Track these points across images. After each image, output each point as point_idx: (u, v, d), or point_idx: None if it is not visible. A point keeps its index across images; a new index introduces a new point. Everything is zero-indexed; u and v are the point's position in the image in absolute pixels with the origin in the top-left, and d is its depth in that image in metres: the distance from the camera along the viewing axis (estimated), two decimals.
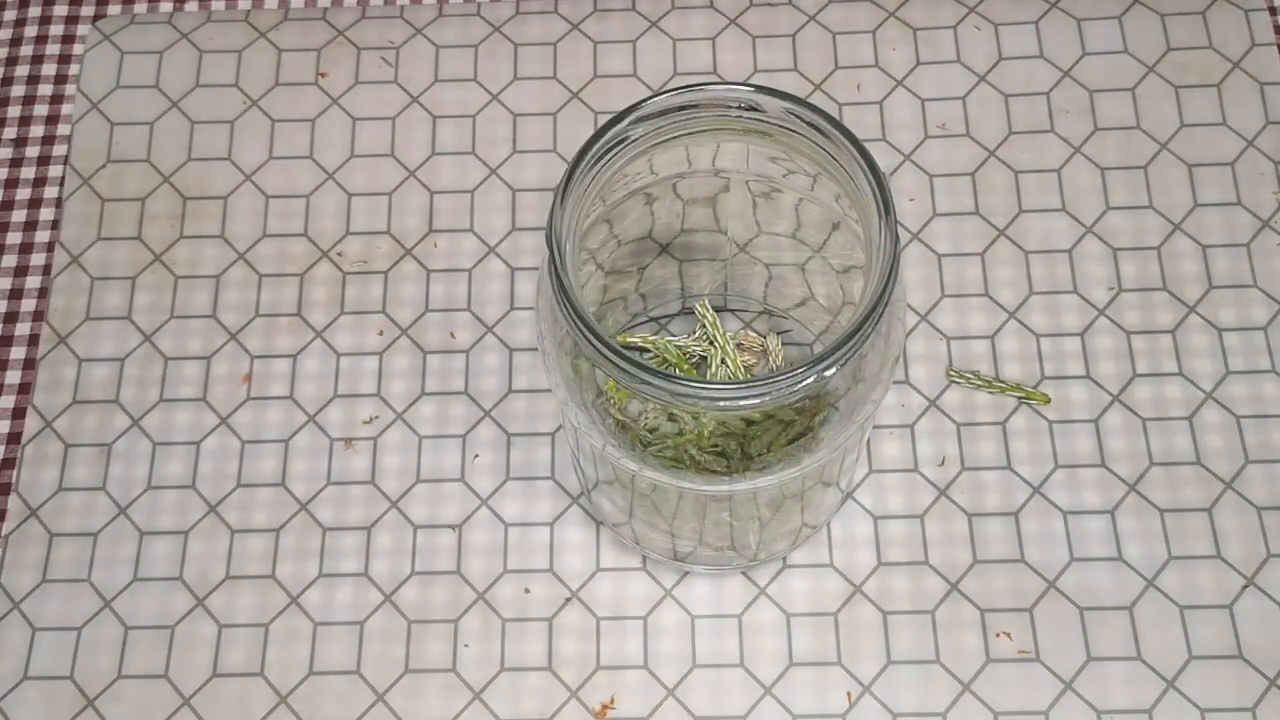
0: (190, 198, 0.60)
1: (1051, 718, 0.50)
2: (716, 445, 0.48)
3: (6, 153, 0.62)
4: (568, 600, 0.52)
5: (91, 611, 0.53)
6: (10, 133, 0.62)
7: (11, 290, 0.59)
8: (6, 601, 0.53)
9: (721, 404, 0.40)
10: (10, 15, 0.65)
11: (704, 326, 0.53)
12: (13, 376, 0.57)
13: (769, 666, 0.51)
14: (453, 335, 0.57)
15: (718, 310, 0.55)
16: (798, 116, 0.42)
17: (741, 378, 0.53)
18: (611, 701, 0.51)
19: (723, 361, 0.53)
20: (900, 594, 0.52)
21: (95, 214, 0.60)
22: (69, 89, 0.63)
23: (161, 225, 0.60)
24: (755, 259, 0.53)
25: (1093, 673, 0.51)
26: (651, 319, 0.56)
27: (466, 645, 0.52)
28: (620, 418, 0.50)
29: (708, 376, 0.53)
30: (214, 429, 0.56)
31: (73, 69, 0.63)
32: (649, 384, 0.39)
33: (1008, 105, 0.61)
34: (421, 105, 0.62)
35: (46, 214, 0.60)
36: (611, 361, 0.39)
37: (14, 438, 0.56)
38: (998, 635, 0.51)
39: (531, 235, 0.59)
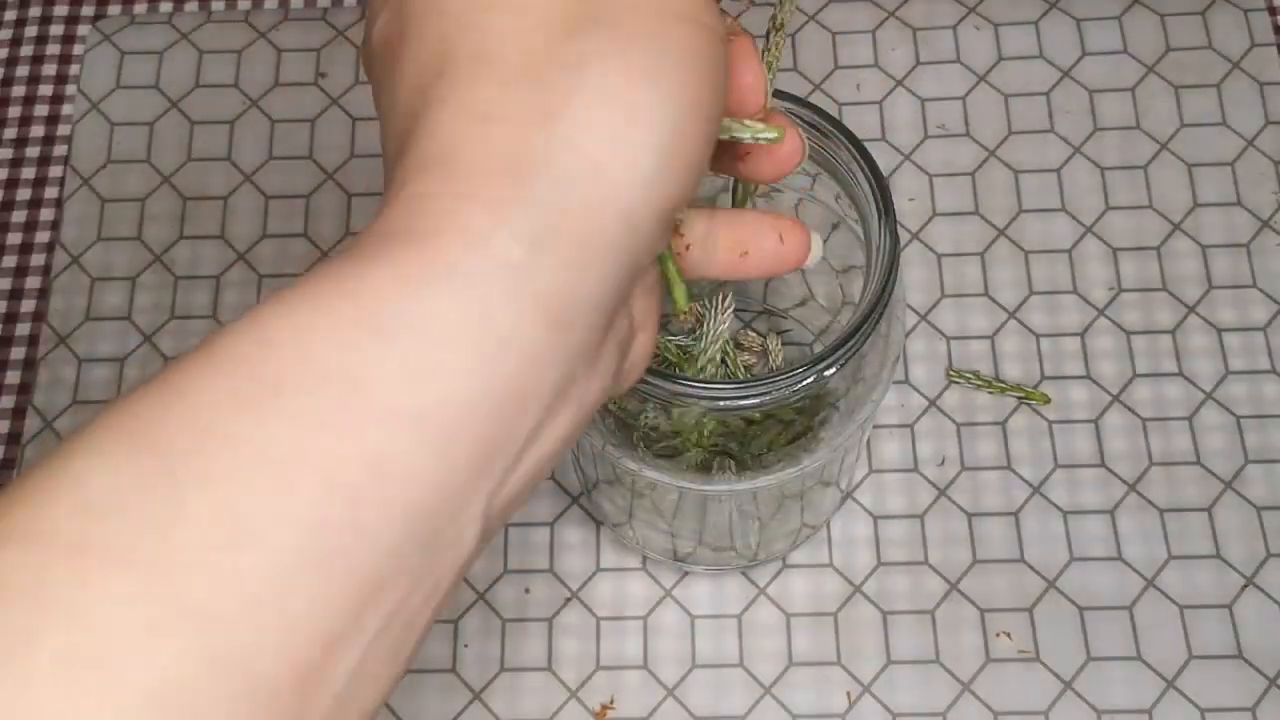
0: (190, 198, 0.60)
1: (1051, 718, 0.50)
2: (717, 445, 0.48)
3: (6, 153, 0.62)
4: (568, 600, 0.52)
5: None
6: (10, 133, 0.62)
7: (11, 290, 0.59)
8: None
9: (721, 404, 0.40)
10: (10, 15, 0.65)
11: (704, 325, 0.53)
12: (13, 376, 0.57)
13: (769, 666, 0.51)
14: None
15: None
16: (797, 116, 0.42)
17: (741, 378, 0.53)
18: (611, 701, 0.51)
19: (722, 361, 0.53)
20: (900, 594, 0.52)
21: (95, 214, 0.60)
22: (69, 89, 0.63)
23: (161, 225, 0.60)
24: None
25: (1093, 673, 0.51)
26: None
27: (466, 645, 0.52)
28: (620, 417, 0.50)
29: (699, 365, 0.53)
30: None
31: (73, 69, 0.63)
32: (649, 383, 0.39)
33: (1008, 105, 0.61)
34: None
35: (46, 214, 0.60)
36: None
37: (14, 438, 0.56)
38: (998, 635, 0.51)
39: None
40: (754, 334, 0.55)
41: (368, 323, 0.22)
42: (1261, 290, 0.57)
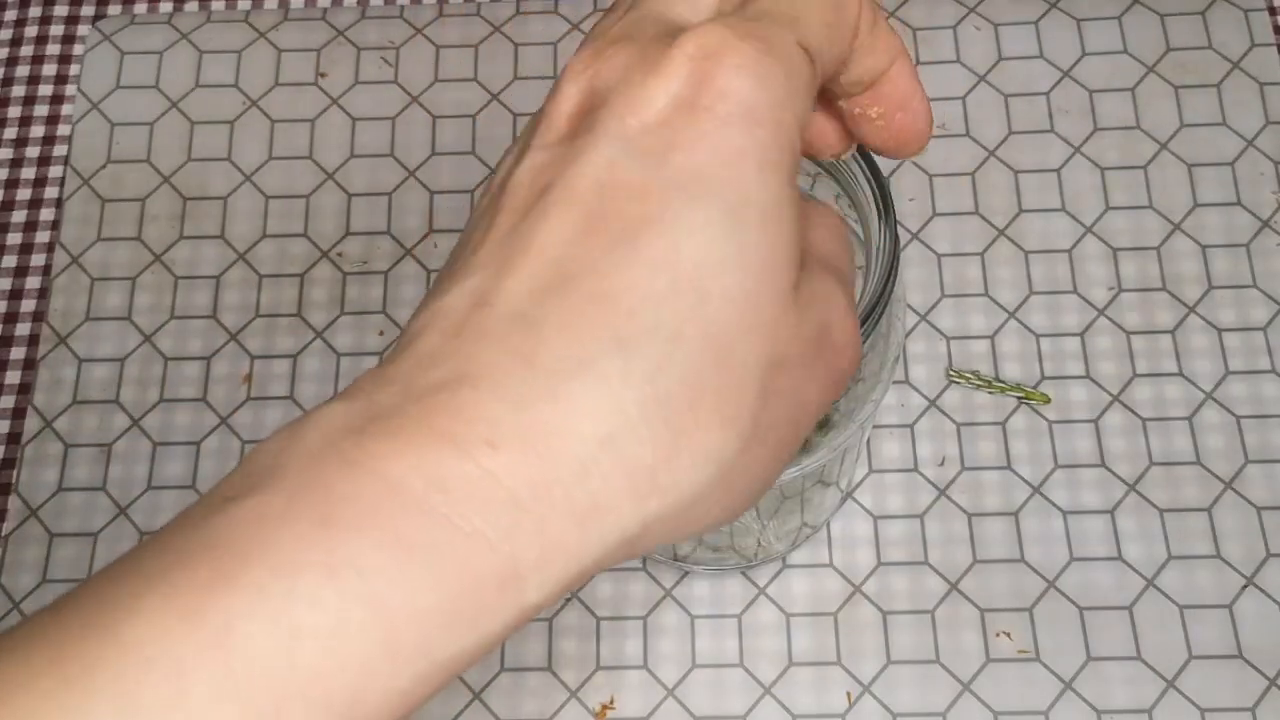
0: (190, 198, 0.60)
1: (1051, 718, 0.50)
2: None
3: (6, 153, 0.62)
4: (568, 600, 0.52)
5: None
6: (10, 133, 0.62)
7: (11, 290, 0.59)
8: (6, 601, 0.53)
9: None
10: (10, 15, 0.65)
11: None
12: (13, 376, 0.57)
13: (769, 666, 0.51)
14: None
15: None
16: None
17: None
18: (611, 702, 0.51)
19: None
20: (900, 594, 0.52)
21: (95, 214, 0.60)
22: (69, 89, 0.63)
23: (161, 225, 0.60)
24: None
25: (1093, 673, 0.51)
26: None
27: None
28: None
29: None
30: (214, 429, 0.56)
31: (73, 69, 0.63)
32: None
33: (1008, 105, 0.61)
34: (421, 105, 0.62)
35: (46, 214, 0.60)
36: None
37: (14, 438, 0.56)
38: (998, 635, 0.51)
39: None
40: None
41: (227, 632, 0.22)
42: (1261, 290, 0.57)
